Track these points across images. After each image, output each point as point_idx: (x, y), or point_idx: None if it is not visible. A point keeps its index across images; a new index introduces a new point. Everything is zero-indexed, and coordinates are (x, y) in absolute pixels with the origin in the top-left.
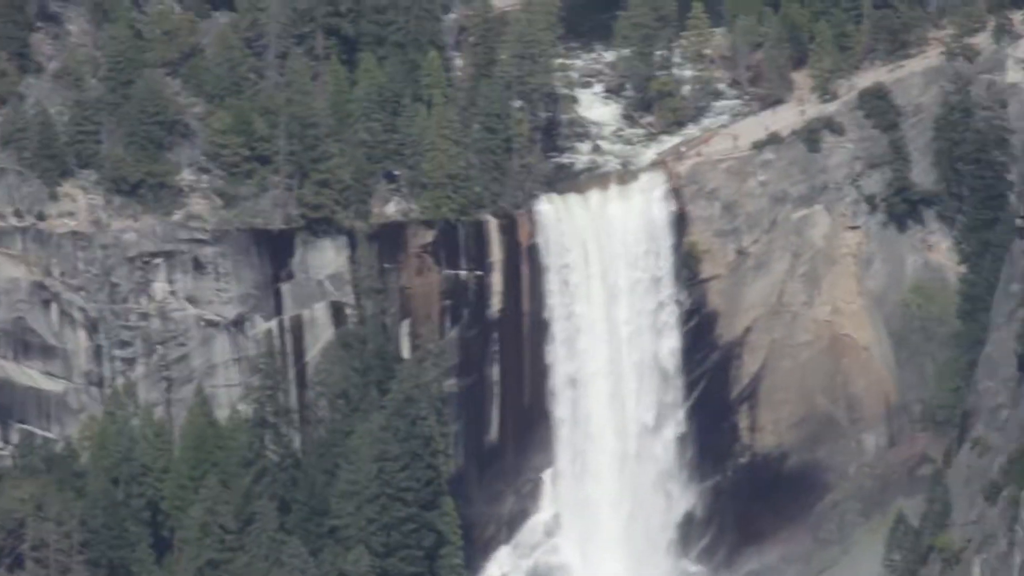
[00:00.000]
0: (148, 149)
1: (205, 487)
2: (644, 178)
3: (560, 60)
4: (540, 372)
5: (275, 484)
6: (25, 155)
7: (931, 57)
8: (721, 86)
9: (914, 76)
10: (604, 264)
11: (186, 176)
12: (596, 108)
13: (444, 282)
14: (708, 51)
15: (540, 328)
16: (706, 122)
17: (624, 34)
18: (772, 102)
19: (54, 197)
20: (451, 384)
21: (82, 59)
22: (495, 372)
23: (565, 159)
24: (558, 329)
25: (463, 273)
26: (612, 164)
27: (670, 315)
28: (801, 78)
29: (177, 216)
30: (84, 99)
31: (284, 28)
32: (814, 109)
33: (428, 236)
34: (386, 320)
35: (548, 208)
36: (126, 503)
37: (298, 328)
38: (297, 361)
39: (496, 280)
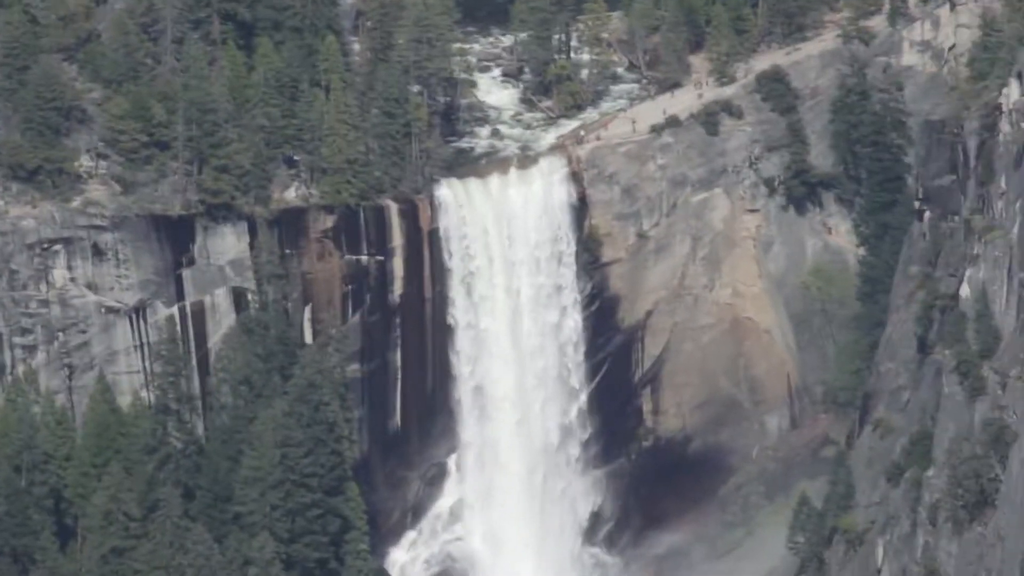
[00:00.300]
0: (45, 135)
1: (108, 474)
2: (544, 162)
3: (458, 44)
4: (443, 357)
5: (179, 471)
6: None
7: (827, 40)
8: (619, 70)
9: (811, 59)
10: (505, 249)
11: (84, 162)
12: (495, 92)
13: (345, 267)
14: (605, 35)
15: (442, 313)
16: (605, 106)
17: (521, 18)
18: (670, 85)
19: None
20: (354, 369)
21: None
22: (398, 357)
23: (464, 144)
24: (459, 313)
25: (364, 258)
26: (512, 148)
27: (571, 300)
28: (698, 61)
29: (76, 202)
30: None
31: (180, 13)
32: (712, 92)
33: (329, 221)
34: (288, 306)
35: (448, 193)
36: (28, 491)
37: (200, 314)
38: (199, 347)
39: (397, 265)
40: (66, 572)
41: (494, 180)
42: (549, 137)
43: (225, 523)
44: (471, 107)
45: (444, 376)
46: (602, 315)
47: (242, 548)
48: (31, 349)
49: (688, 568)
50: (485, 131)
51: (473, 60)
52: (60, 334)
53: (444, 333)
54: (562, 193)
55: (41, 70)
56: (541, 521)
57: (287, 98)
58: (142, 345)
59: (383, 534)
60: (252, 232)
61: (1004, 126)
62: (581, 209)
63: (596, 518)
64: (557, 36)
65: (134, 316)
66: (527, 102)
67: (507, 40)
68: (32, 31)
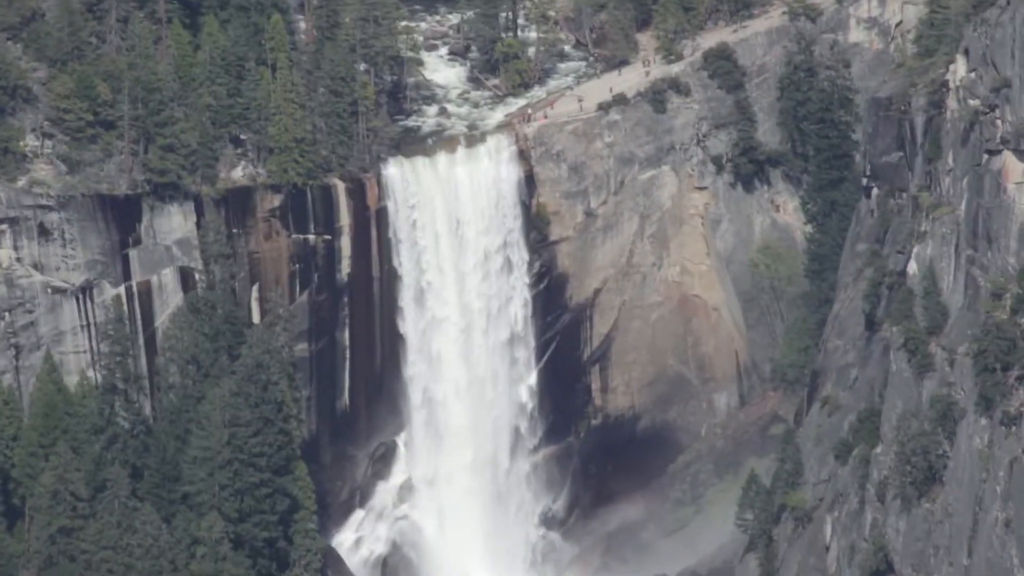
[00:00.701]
0: None
1: (56, 454)
2: (491, 141)
3: (404, 23)
4: (391, 336)
5: (126, 451)
6: None
7: (774, 17)
8: (566, 48)
9: (758, 36)
10: (453, 227)
11: (29, 142)
12: (442, 71)
13: (293, 246)
14: (552, 13)
15: (390, 292)
16: (552, 84)
17: None
18: (617, 63)
19: None
20: (302, 349)
21: None
22: (346, 336)
23: (412, 122)
24: (408, 293)
25: (312, 237)
26: (459, 127)
27: (519, 279)
28: (645, 39)
29: (21, 182)
30: None
31: None
32: (659, 70)
33: (276, 200)
34: (235, 285)
35: (396, 171)
36: None
37: (147, 294)
38: (146, 327)
39: (345, 244)
40: (13, 552)
41: (441, 159)
42: (496, 115)
43: (173, 503)
44: (418, 86)
45: (393, 355)
46: (550, 294)
47: (190, 528)
48: None
49: (637, 546)
50: (432, 110)
51: (420, 39)
52: (7, 314)
53: (392, 312)
54: (510, 172)
55: None
56: (490, 500)
57: (233, 77)
58: (89, 325)
59: (331, 513)
60: (199, 211)
61: (951, 103)
62: (529, 187)
63: (546, 496)
64: (504, 14)
65: (81, 296)
66: (474, 80)
67: (454, 18)
68: None
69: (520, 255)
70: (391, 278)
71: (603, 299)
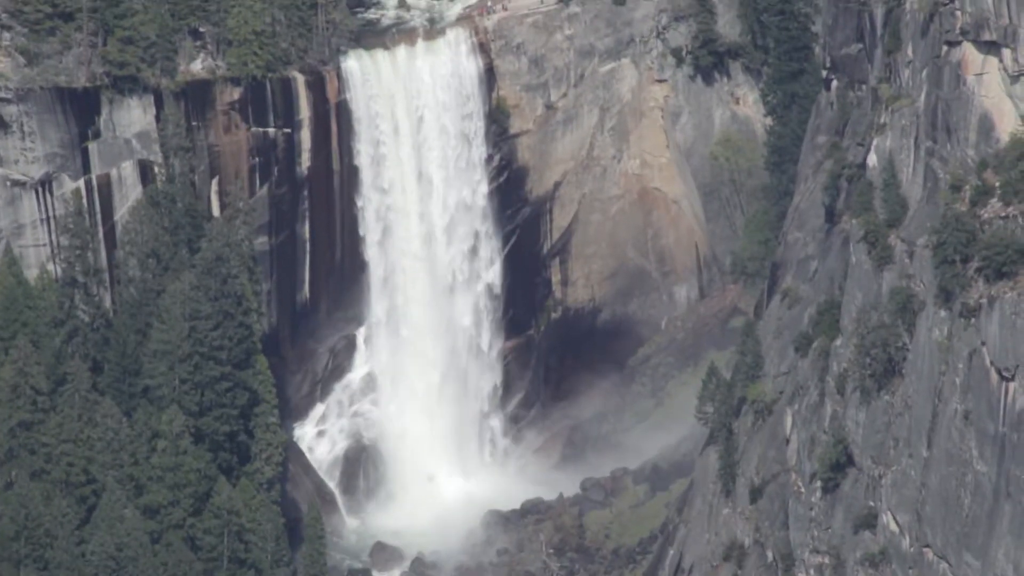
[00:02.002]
0: None
1: (15, 348)
2: (451, 33)
3: None
4: (351, 229)
5: (87, 344)
6: None
7: None
8: None
9: None
10: (413, 119)
11: None
12: None
13: (252, 139)
14: None
15: (350, 185)
16: None
17: None
18: None
19: None
20: (262, 242)
21: None
22: (306, 230)
23: (371, 15)
24: (368, 186)
25: (271, 131)
26: (419, 20)
27: (479, 172)
28: None
29: None
30: None
31: None
32: None
33: (235, 93)
34: (195, 178)
35: (355, 64)
36: None
37: (106, 187)
38: (106, 220)
39: (305, 137)
40: None
41: (401, 51)
42: (456, 8)
43: (134, 396)
44: None
45: (353, 249)
46: (510, 187)
47: (151, 421)
48: None
49: (598, 438)
50: (392, 2)
51: None
52: None
53: (353, 206)
54: (469, 64)
55: None
56: (450, 394)
57: None
58: (48, 218)
59: (292, 407)
60: (158, 104)
61: None
62: (488, 80)
63: (506, 390)
64: None
65: (40, 189)
66: None
67: None
68: None
69: (479, 148)
70: (351, 172)
71: (563, 192)
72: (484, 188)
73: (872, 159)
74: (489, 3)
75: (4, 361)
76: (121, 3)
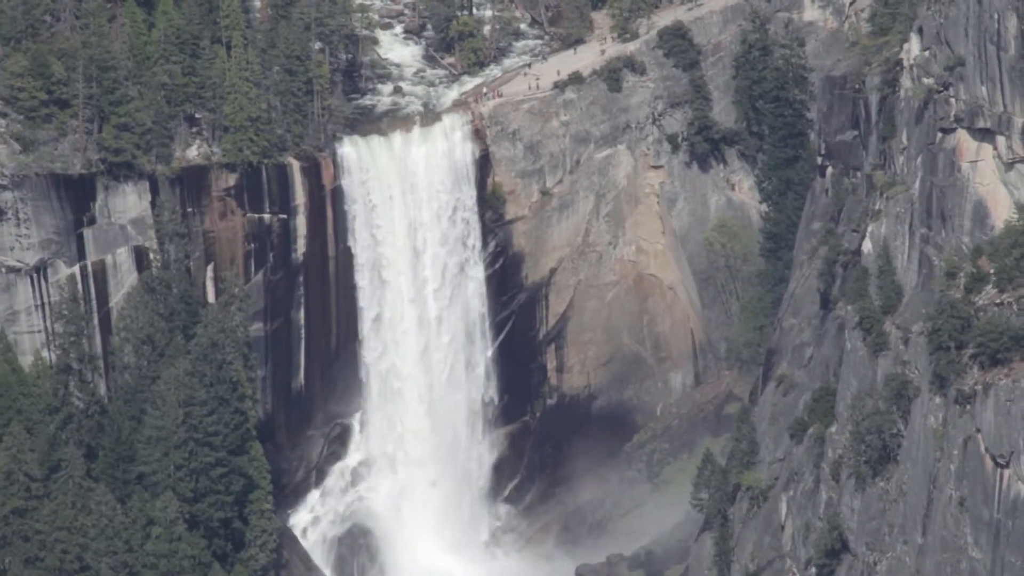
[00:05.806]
0: None
1: (9, 435)
2: (447, 119)
3: (359, 1)
4: (347, 315)
5: (81, 431)
6: None
7: None
8: (522, 26)
9: (713, 15)
10: (408, 206)
11: None
12: (397, 49)
13: (248, 225)
14: None
15: (346, 271)
16: (507, 62)
17: None
18: (572, 42)
19: None
20: (257, 328)
21: None
22: (301, 316)
23: (367, 101)
24: (364, 273)
25: (267, 216)
26: (414, 105)
27: (475, 258)
28: (600, 17)
29: None
30: None
31: None
32: (614, 48)
33: (231, 179)
34: (190, 264)
35: (351, 150)
36: None
37: (101, 273)
38: (101, 307)
39: (301, 223)
40: None
41: (397, 137)
42: (452, 94)
43: (128, 483)
44: (373, 64)
45: (348, 335)
46: (506, 273)
47: (145, 508)
48: None
49: (593, 524)
50: (387, 88)
51: (375, 17)
52: None
53: (349, 292)
54: (465, 150)
55: None
56: (446, 480)
57: (188, 55)
58: (43, 304)
59: (287, 494)
60: (154, 190)
61: (905, 81)
62: (484, 166)
63: (501, 476)
64: None
65: (35, 275)
66: (429, 59)
67: None
68: None
69: (475, 235)
70: (346, 257)
71: (559, 278)
72: (480, 274)
73: (867, 245)
74: (484, 89)
75: None
76: (117, 90)
